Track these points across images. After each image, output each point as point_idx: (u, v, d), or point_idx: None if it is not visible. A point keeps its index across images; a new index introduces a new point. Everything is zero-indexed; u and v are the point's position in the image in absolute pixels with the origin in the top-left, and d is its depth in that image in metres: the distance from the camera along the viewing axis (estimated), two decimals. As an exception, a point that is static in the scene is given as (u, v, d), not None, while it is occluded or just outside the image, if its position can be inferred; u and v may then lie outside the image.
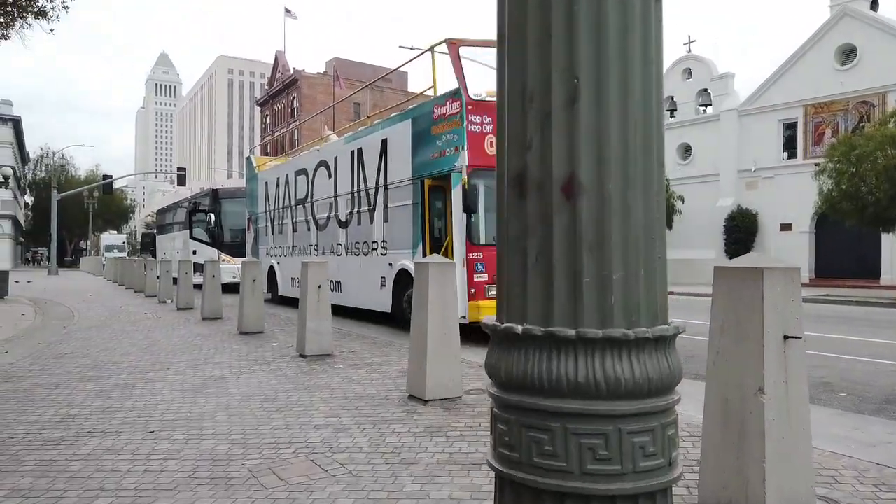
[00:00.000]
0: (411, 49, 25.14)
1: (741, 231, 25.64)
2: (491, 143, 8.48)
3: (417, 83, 67.82)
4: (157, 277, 16.88)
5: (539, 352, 1.05)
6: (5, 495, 3.33)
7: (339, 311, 11.11)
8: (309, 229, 13.41)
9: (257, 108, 77.40)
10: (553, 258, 1.02)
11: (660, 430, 1.08)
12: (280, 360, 7.30)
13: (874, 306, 15.88)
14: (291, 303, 14.68)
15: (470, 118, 8.38)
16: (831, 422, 4.82)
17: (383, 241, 10.48)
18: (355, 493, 3.26)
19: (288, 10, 62.66)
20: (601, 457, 1.05)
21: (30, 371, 6.80)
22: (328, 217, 12.49)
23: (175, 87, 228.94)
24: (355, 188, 11.37)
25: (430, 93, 9.49)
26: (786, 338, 2.44)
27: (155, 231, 35.47)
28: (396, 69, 13.43)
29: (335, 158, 12.24)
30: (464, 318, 8.02)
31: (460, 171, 8.42)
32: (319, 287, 7.40)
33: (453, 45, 8.63)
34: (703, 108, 28.75)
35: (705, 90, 28.39)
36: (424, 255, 9.21)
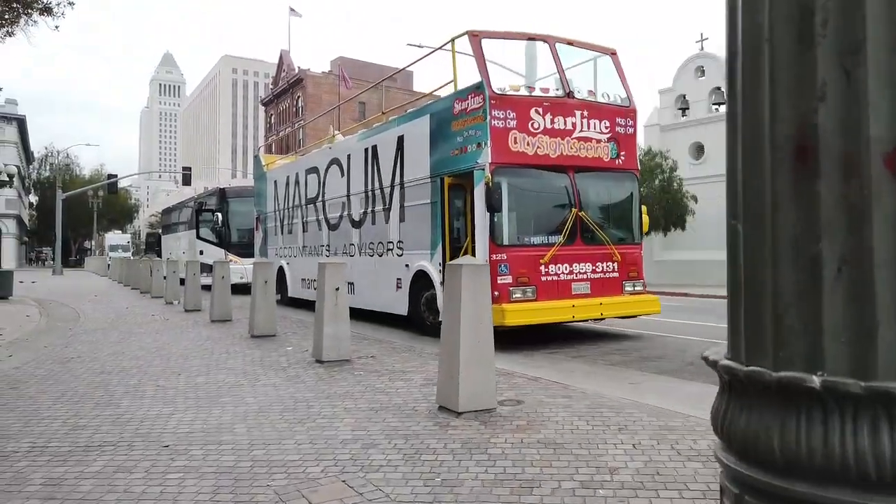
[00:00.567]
0: (419, 47, 24.77)
1: (755, 232, 25.21)
2: (515, 138, 8.14)
3: (424, 82, 67.58)
4: (164, 278, 16.57)
5: (854, 420, 0.68)
6: (9, 522, 3.01)
7: (353, 314, 10.76)
8: (320, 229, 13.08)
9: (262, 108, 77.19)
10: (871, 268, 0.66)
11: None
12: (296, 365, 6.96)
13: None
14: (301, 304, 14.37)
15: (494, 113, 8.02)
16: None
17: (399, 242, 10.14)
18: (398, 523, 2.92)
19: (292, 9, 62.46)
20: None
21: (35, 376, 6.49)
22: (340, 216, 12.16)
23: (179, 86, 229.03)
24: (369, 187, 11.04)
25: (451, 88, 9.14)
26: None
27: (160, 231, 35.21)
28: (406, 67, 13.11)
29: (348, 156, 11.90)
30: None
31: (483, 169, 8.07)
32: (337, 290, 7.08)
33: (475, 37, 8.29)
34: (716, 106, 28.34)
35: (718, 88, 27.97)
36: (444, 255, 8.87)
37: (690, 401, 5.17)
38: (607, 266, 8.70)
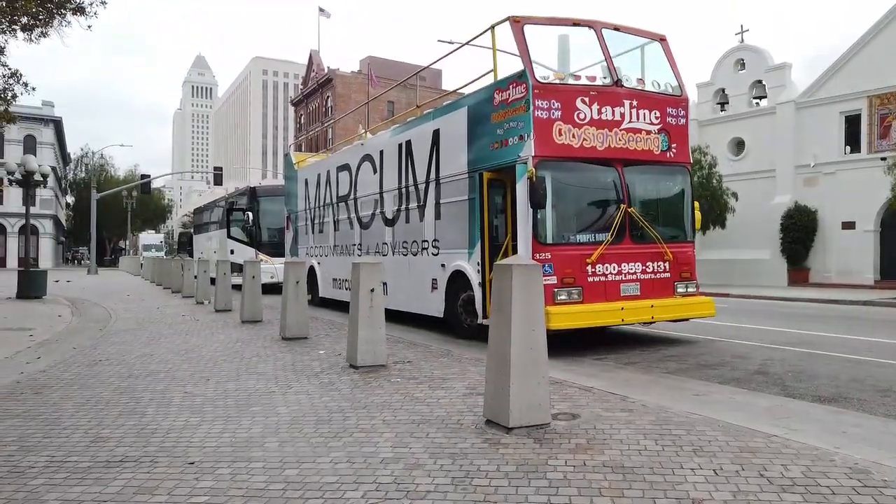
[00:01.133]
0: (450, 43, 24.41)
1: (799, 229, 24.20)
2: (560, 130, 7.64)
3: (453, 81, 67.14)
4: (195, 277, 16.44)
5: None
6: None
7: (385, 315, 10.41)
8: (352, 228, 12.74)
9: (291, 109, 77.65)
10: None
11: None
12: (329, 371, 6.59)
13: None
14: (333, 305, 14.07)
15: (537, 103, 7.52)
16: None
17: (435, 240, 9.72)
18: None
19: (322, 9, 62.65)
20: None
21: (61, 381, 6.24)
22: (373, 214, 11.79)
23: (211, 88, 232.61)
24: (403, 183, 10.64)
25: (489, 79, 8.67)
26: None
27: (192, 230, 35.42)
28: (437, 62, 12.66)
29: (381, 152, 11.52)
30: None
31: (526, 162, 7.58)
32: (373, 291, 6.68)
33: (517, 23, 7.81)
34: (757, 100, 27.35)
35: (759, 82, 26.99)
36: (483, 255, 8.41)
37: (767, 417, 4.65)
38: (658, 266, 8.15)
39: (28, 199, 18.63)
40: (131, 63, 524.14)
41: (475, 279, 8.54)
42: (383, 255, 11.21)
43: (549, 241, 7.65)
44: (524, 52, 7.71)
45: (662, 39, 8.87)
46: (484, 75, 8.72)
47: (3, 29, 16.47)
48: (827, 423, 4.66)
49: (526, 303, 4.33)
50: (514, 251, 8.22)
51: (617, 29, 8.43)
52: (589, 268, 7.68)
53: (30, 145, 49.61)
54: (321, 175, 14.31)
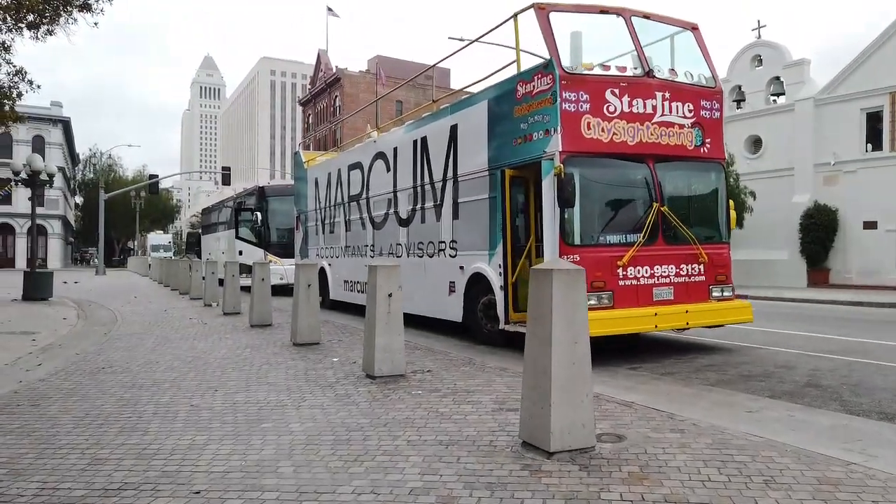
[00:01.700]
0: (460, 40, 23.96)
1: (819, 229, 23.58)
2: (589, 124, 7.17)
3: (461, 79, 66.66)
4: (203, 279, 16.07)
5: None
6: None
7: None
8: (364, 228, 12.32)
9: (300, 108, 77.41)
10: None
11: None
12: (345, 381, 6.17)
13: None
14: (344, 307, 13.66)
15: (564, 95, 7.06)
16: None
17: (452, 241, 9.27)
18: None
19: (330, 9, 62.38)
20: None
21: (61, 391, 5.86)
22: (386, 214, 11.36)
23: (219, 89, 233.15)
24: (419, 182, 10.20)
25: (511, 70, 8.22)
26: None
27: (200, 231, 35.12)
28: (449, 57, 12.26)
29: (395, 150, 11.09)
30: None
31: (552, 158, 7.12)
32: (390, 296, 6.25)
33: (542, 10, 7.35)
34: (775, 97, 26.74)
35: (777, 78, 26.38)
36: (504, 257, 7.96)
37: (836, 440, 4.17)
38: (692, 268, 7.67)
39: (34, 200, 18.33)
40: (143, 62, 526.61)
41: (496, 282, 8.09)
42: (397, 257, 10.78)
43: (577, 242, 7.19)
44: (550, 40, 7.24)
45: (695, 28, 8.40)
46: (507, 66, 8.27)
47: (9, 27, 16.20)
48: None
49: (568, 312, 3.89)
50: (539, 253, 7.77)
51: (647, 17, 7.95)
52: (620, 271, 7.21)
53: (38, 146, 49.54)
54: (332, 174, 13.90)
